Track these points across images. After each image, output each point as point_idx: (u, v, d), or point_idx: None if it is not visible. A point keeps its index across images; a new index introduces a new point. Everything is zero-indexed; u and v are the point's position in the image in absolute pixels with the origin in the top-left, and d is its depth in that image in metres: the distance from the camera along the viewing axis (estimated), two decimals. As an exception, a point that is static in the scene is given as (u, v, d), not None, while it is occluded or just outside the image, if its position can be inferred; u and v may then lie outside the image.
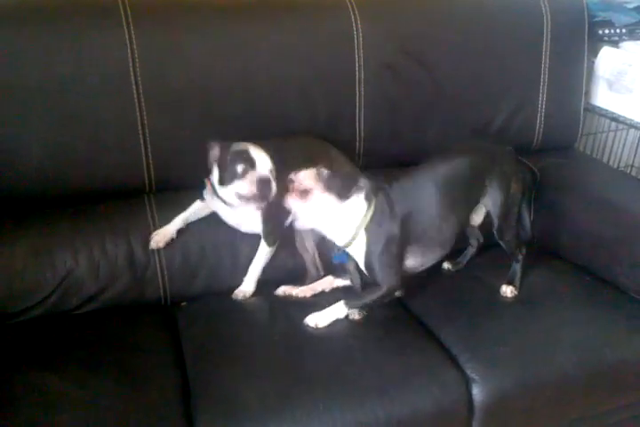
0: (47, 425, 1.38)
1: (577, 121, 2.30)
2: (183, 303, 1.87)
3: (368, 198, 1.68)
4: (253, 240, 1.88)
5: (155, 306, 1.86)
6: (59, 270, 1.78)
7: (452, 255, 1.92)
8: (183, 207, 1.89)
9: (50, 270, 1.77)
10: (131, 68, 1.77)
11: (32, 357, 1.60)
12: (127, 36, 1.75)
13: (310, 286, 1.86)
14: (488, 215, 1.87)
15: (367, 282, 1.78)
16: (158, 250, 1.85)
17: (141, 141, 1.83)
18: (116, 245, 1.83)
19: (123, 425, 1.40)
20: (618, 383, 1.69)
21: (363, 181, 1.68)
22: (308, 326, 1.68)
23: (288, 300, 1.83)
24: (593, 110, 2.43)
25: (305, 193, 1.65)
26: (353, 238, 1.69)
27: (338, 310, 1.70)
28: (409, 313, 1.79)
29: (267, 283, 1.87)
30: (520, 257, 1.89)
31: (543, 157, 2.25)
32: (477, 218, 1.91)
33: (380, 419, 1.47)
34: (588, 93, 2.35)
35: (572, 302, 1.80)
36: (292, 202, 1.68)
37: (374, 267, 1.69)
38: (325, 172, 1.65)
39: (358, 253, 1.71)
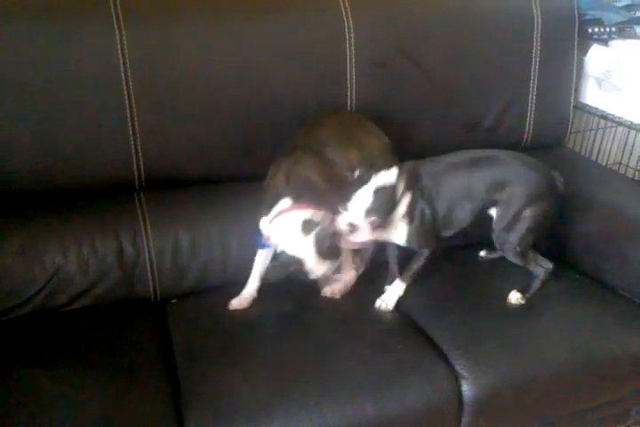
0: (35, 425, 1.37)
1: (566, 119, 2.31)
2: (173, 300, 1.86)
3: (404, 191, 1.70)
4: (244, 237, 1.88)
5: (145, 303, 1.86)
6: (48, 267, 1.77)
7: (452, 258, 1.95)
8: (173, 205, 1.89)
9: (39, 268, 1.76)
10: (121, 65, 1.75)
11: (20, 355, 1.59)
12: (117, 32, 1.74)
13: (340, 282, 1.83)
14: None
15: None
16: (148, 247, 1.84)
17: (131, 138, 1.82)
18: (105, 242, 1.82)
19: (112, 424, 1.39)
20: (607, 379, 1.70)
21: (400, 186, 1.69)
22: (379, 308, 1.76)
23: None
24: (582, 108, 2.43)
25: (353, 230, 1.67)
26: (396, 227, 1.74)
27: (398, 288, 1.79)
28: (400, 310, 1.79)
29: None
30: (540, 271, 1.82)
31: (533, 154, 2.23)
32: None
33: (370, 415, 1.47)
34: (577, 91, 2.36)
35: (561, 299, 1.81)
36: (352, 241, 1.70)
37: (414, 240, 1.76)
38: (376, 221, 1.66)
39: (400, 235, 1.77)
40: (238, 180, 1.99)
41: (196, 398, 1.47)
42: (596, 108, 2.40)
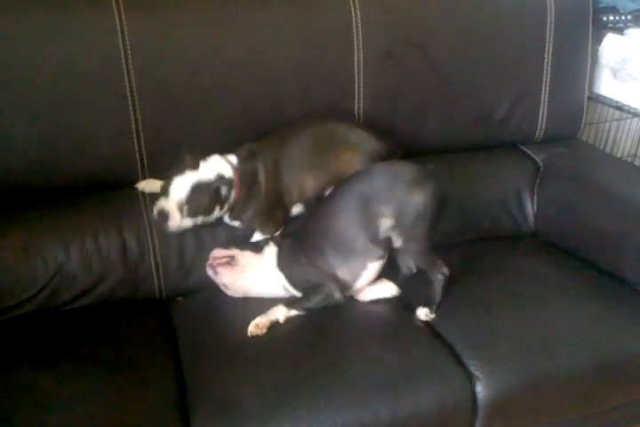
0: (39, 425, 1.34)
1: (580, 110, 2.25)
2: (179, 298, 1.83)
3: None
4: (250, 235, 1.86)
5: (149, 301, 1.82)
6: (50, 265, 1.73)
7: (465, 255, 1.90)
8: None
9: (41, 265, 1.73)
10: (122, 56, 1.71)
11: (23, 354, 1.57)
12: (118, 22, 1.70)
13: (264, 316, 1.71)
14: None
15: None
16: (153, 242, 1.81)
17: (134, 131, 1.78)
18: (108, 238, 1.79)
19: (116, 424, 1.36)
20: (625, 378, 1.66)
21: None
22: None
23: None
24: (597, 99, 2.38)
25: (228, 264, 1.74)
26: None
27: (278, 312, 1.66)
28: (409, 309, 1.74)
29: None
30: (440, 277, 1.69)
31: (546, 147, 2.22)
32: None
33: (383, 417, 1.43)
34: (591, 82, 2.30)
35: (577, 297, 1.76)
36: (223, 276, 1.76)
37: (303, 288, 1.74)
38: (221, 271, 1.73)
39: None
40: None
41: (203, 398, 1.44)
42: (610, 99, 2.35)
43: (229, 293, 1.77)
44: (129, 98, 1.75)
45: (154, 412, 1.40)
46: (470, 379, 1.52)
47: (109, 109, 1.76)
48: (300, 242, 1.75)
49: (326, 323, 1.67)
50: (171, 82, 1.78)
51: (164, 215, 1.69)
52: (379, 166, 1.74)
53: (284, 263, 1.74)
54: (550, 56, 2.13)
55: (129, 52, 1.72)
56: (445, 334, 1.64)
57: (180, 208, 1.69)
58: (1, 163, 1.72)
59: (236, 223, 1.85)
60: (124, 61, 1.72)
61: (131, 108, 1.76)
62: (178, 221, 1.70)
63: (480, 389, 1.51)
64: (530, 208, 2.10)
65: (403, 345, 1.58)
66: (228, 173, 1.74)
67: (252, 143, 1.83)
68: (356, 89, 1.96)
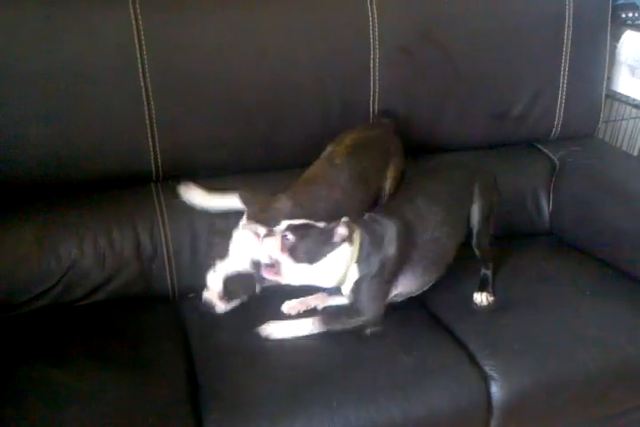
0: (51, 420, 1.34)
1: (598, 108, 2.22)
2: (191, 294, 1.82)
3: (350, 240, 1.55)
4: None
5: (162, 297, 1.82)
6: (64, 260, 1.73)
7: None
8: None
9: (55, 260, 1.73)
10: (137, 52, 1.70)
11: (36, 349, 1.56)
12: (133, 18, 1.69)
13: (302, 300, 1.69)
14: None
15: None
16: (166, 238, 1.81)
17: (148, 128, 1.77)
18: (122, 234, 1.78)
19: (129, 421, 1.36)
20: (641, 381, 1.64)
21: (337, 229, 1.53)
22: (258, 334, 1.57)
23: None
24: (614, 97, 2.36)
25: (274, 266, 1.54)
26: (344, 278, 1.57)
27: (304, 327, 1.58)
28: (424, 309, 1.74)
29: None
30: (490, 265, 1.80)
31: (562, 145, 2.19)
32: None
33: (396, 418, 1.42)
34: (609, 79, 2.27)
35: (593, 297, 1.74)
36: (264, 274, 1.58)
37: (360, 294, 1.57)
38: (291, 239, 1.51)
39: (348, 285, 1.60)
40: (257, 171, 1.94)
41: (215, 396, 1.44)
42: (627, 97, 2.33)
43: (272, 275, 1.56)
44: (143, 94, 1.74)
45: (166, 409, 1.40)
46: (485, 379, 1.50)
47: (124, 106, 1.75)
48: (402, 251, 1.60)
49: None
50: (186, 78, 1.77)
51: (210, 304, 1.65)
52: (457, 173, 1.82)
53: (365, 264, 1.57)
54: (568, 53, 2.10)
55: (144, 48, 1.71)
56: (460, 334, 1.62)
57: (220, 298, 1.65)
58: (17, 160, 1.72)
59: None
60: (138, 58, 1.71)
61: (145, 105, 1.75)
62: (223, 307, 1.66)
63: (495, 389, 1.50)
64: (545, 207, 2.08)
65: (417, 345, 1.57)
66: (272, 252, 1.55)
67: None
68: (372, 83, 1.94)
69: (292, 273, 1.54)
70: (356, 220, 1.60)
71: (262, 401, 1.41)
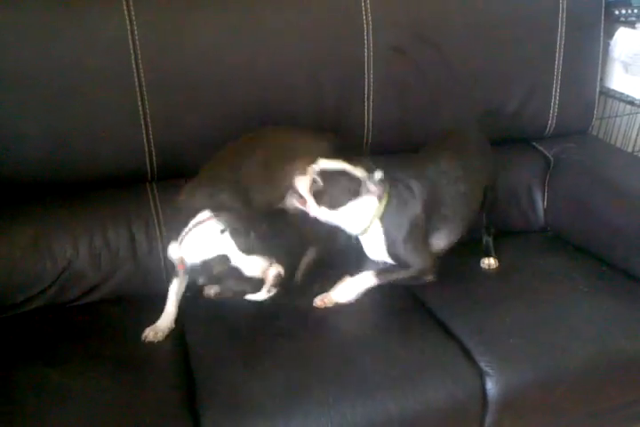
0: (48, 420, 1.34)
1: (592, 105, 2.23)
2: (187, 294, 1.82)
3: (379, 195, 1.65)
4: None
5: (158, 296, 1.79)
6: (59, 260, 1.74)
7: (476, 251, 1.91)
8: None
9: (50, 260, 1.74)
10: (131, 50, 1.71)
11: (33, 349, 1.57)
12: (127, 16, 1.69)
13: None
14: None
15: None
16: (161, 238, 1.81)
17: (143, 127, 1.78)
18: (117, 234, 1.79)
19: (125, 420, 1.36)
20: (636, 375, 1.64)
21: (368, 184, 1.63)
22: (337, 302, 1.67)
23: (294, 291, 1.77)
24: (608, 93, 2.36)
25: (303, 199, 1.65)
26: (367, 228, 1.67)
27: (365, 281, 1.68)
28: (420, 305, 1.74)
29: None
30: (492, 230, 1.93)
31: (557, 142, 2.20)
32: None
33: (392, 413, 1.42)
34: (603, 76, 2.28)
35: (588, 293, 1.74)
36: (294, 203, 1.68)
37: (399, 253, 1.68)
38: (318, 182, 1.61)
39: (376, 241, 1.69)
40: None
41: (212, 394, 1.44)
42: (621, 94, 2.33)
43: (301, 205, 1.67)
44: (138, 92, 1.74)
45: (163, 409, 1.40)
46: (481, 375, 1.50)
47: (119, 106, 1.75)
48: (427, 206, 1.69)
49: (332, 319, 1.66)
50: (180, 76, 1.77)
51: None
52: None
53: (391, 220, 1.68)
54: (562, 50, 2.11)
55: (138, 46, 1.71)
56: (456, 330, 1.62)
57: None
58: (12, 159, 1.73)
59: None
60: (132, 56, 1.71)
61: (140, 105, 1.75)
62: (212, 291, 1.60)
63: (490, 385, 1.50)
64: (540, 203, 2.08)
65: (413, 341, 1.57)
66: None
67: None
68: (366, 82, 1.95)
69: (317, 212, 1.65)
70: (390, 182, 1.68)
71: (259, 399, 1.41)
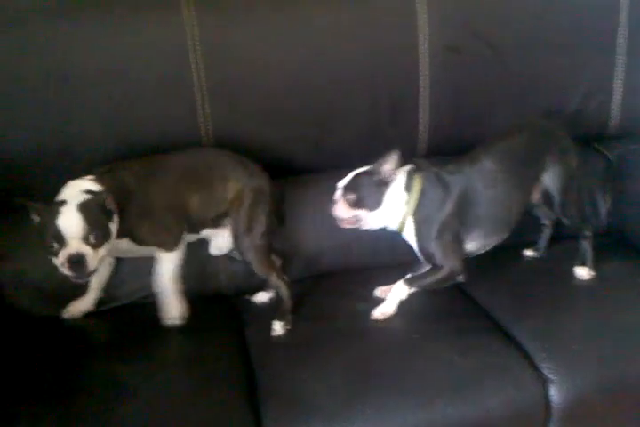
0: (113, 416, 1.38)
1: (657, 103, 2.16)
2: (246, 296, 1.84)
3: (407, 188, 1.68)
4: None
5: (217, 297, 1.85)
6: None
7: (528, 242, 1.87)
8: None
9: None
10: (192, 55, 1.73)
11: (101, 348, 1.64)
12: (188, 21, 1.72)
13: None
14: (547, 193, 1.79)
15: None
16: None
17: (202, 130, 1.81)
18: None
19: (189, 419, 1.38)
20: None
21: (396, 178, 1.68)
22: (377, 320, 1.65)
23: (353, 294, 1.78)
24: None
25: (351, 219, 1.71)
26: (402, 224, 1.70)
27: (399, 291, 1.66)
28: (477, 306, 1.72)
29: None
30: (587, 233, 1.81)
31: (619, 143, 2.13)
32: (535, 195, 1.82)
33: (452, 419, 1.41)
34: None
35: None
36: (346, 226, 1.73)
37: (430, 251, 1.67)
38: (352, 197, 1.67)
39: (410, 238, 1.71)
40: (307, 172, 1.96)
41: (273, 395, 1.45)
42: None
43: (353, 224, 1.72)
44: (198, 97, 1.76)
45: (225, 407, 1.42)
46: (544, 382, 1.48)
47: (179, 108, 1.78)
48: (460, 204, 1.68)
49: (392, 322, 1.66)
50: (240, 81, 1.79)
51: (79, 258, 1.44)
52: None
53: (423, 215, 1.69)
54: (624, 45, 2.04)
55: (198, 51, 1.73)
56: (517, 335, 1.60)
57: (87, 238, 1.45)
58: (80, 162, 1.76)
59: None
60: (193, 60, 1.73)
61: (200, 108, 1.78)
62: (93, 256, 1.46)
63: (554, 392, 1.47)
64: (603, 206, 2.03)
65: (474, 347, 1.55)
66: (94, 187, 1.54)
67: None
68: (421, 84, 1.93)
69: (370, 220, 1.70)
70: (420, 170, 1.71)
71: (320, 399, 1.42)
